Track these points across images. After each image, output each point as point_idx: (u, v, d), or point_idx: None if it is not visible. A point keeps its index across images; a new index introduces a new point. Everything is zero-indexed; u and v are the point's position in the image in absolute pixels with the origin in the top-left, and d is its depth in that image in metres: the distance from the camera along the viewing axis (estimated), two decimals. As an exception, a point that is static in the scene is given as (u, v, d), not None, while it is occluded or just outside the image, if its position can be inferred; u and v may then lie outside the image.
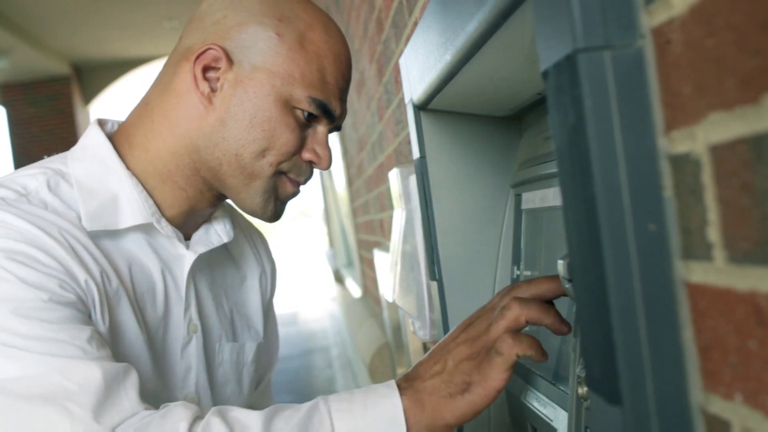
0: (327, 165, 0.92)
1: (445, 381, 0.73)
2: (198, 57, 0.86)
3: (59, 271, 0.79)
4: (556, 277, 0.71)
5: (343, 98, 0.92)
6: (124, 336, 0.86)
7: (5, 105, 9.08)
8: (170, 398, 0.93)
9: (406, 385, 0.75)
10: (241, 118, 0.86)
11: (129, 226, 0.88)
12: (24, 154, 8.84)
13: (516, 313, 0.71)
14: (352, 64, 1.11)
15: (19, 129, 9.06)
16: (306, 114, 0.88)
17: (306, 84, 0.87)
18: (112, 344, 0.83)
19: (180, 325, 0.94)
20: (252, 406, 1.23)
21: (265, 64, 0.86)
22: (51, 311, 0.76)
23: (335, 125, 0.93)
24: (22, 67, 8.39)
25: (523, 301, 0.72)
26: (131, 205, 0.88)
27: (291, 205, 0.96)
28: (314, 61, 0.87)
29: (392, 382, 0.76)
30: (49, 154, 0.95)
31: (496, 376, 0.71)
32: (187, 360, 0.95)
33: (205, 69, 0.87)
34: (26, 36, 7.59)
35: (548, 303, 0.73)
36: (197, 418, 0.73)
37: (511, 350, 0.70)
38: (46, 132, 8.92)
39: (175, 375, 0.94)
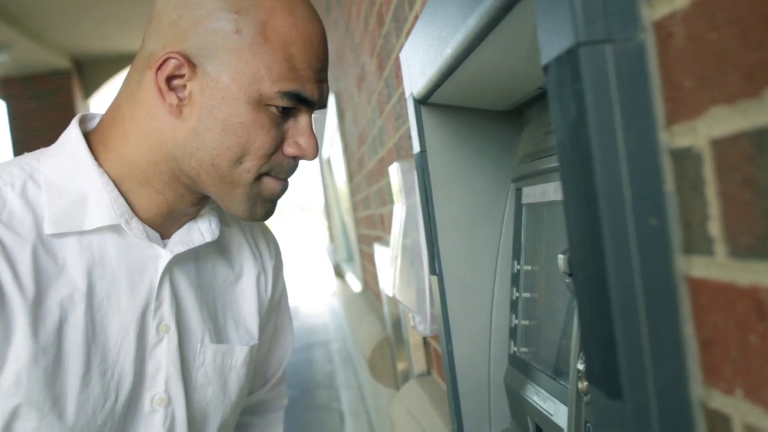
0: (313, 155, 0.88)
1: None
2: (159, 68, 0.83)
3: None
4: None
5: (320, 79, 0.87)
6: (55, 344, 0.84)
7: (6, 99, 9.07)
8: (137, 397, 0.91)
9: None
10: (213, 126, 0.83)
11: (95, 227, 0.86)
12: (24, 148, 8.57)
13: None
14: (354, 58, 1.09)
15: (19, 123, 9.05)
16: (280, 109, 0.84)
17: (274, 78, 0.82)
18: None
19: (149, 326, 0.92)
20: (265, 401, 1.23)
21: (229, 64, 0.82)
22: None
23: (318, 107, 0.89)
24: (23, 61, 8.39)
25: None
26: (99, 206, 0.86)
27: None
28: (280, 51, 0.82)
29: None
30: None
31: None
32: (156, 360, 0.92)
33: (169, 78, 0.83)
34: (27, 30, 7.58)
35: None
36: None
37: None
38: (46, 126, 8.89)
39: (143, 375, 0.92)
